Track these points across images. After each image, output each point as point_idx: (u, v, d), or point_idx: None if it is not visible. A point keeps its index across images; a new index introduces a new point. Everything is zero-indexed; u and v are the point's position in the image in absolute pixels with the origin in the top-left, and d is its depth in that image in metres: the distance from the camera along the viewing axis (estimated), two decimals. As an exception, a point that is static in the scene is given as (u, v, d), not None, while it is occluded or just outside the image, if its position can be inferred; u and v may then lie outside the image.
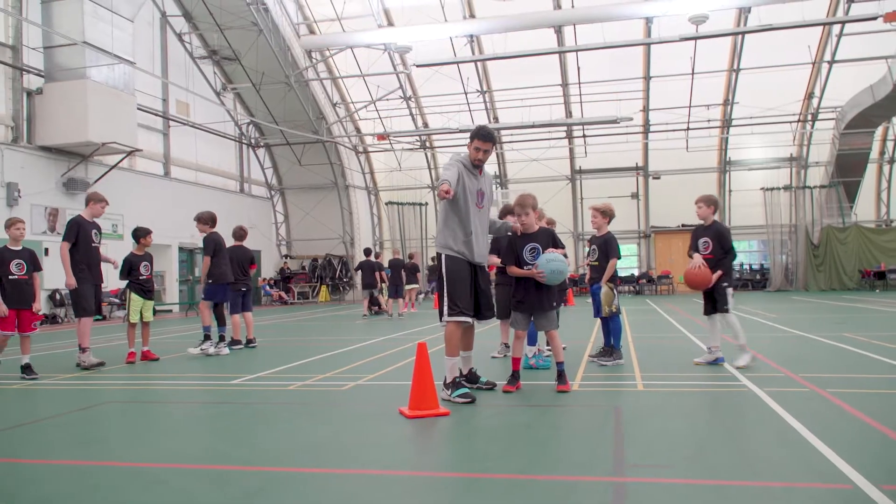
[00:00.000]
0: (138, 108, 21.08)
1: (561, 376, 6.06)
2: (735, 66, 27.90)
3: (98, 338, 12.39)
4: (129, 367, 8.61)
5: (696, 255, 7.41)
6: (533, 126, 28.40)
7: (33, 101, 18.88)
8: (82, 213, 8.82)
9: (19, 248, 7.99)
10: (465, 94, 29.70)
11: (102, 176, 20.20)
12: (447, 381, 5.82)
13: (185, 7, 25.46)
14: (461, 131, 28.75)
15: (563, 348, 6.53)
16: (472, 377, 6.21)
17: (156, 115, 23.88)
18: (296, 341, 12.02)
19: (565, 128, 30.72)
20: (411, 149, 32.83)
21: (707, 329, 7.75)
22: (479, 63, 28.37)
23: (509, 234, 6.34)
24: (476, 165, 6.06)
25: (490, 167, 33.06)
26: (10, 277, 7.78)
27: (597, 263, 7.75)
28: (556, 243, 6.22)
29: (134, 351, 9.12)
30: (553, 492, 3.36)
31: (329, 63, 29.85)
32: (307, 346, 11.00)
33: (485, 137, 6.02)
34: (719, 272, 7.29)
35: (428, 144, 33.23)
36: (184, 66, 25.83)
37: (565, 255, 6.18)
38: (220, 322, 10.08)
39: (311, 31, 29.08)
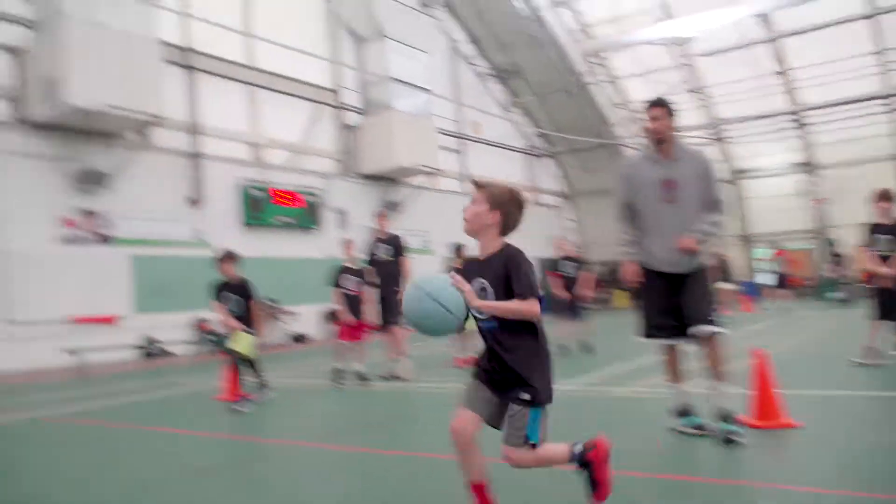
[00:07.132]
0: (438, 132, 22.81)
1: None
2: None
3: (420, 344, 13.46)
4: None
5: None
6: (844, 103, 25.60)
7: (352, 135, 21.32)
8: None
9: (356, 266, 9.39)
10: (758, 77, 27.61)
11: (410, 196, 22.11)
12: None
13: (471, 32, 27.03)
14: (759, 118, 26.88)
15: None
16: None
17: (452, 136, 25.60)
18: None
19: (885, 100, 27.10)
20: (701, 143, 31.35)
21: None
22: (771, 42, 26.26)
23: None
24: (660, 141, 4.92)
25: (795, 154, 30.41)
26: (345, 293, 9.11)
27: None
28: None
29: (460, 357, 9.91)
30: None
31: (608, 65, 29.66)
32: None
33: (649, 105, 5.00)
34: None
35: (718, 137, 31.48)
36: (473, 88, 27.38)
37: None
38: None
39: (588, 36, 29.13)
